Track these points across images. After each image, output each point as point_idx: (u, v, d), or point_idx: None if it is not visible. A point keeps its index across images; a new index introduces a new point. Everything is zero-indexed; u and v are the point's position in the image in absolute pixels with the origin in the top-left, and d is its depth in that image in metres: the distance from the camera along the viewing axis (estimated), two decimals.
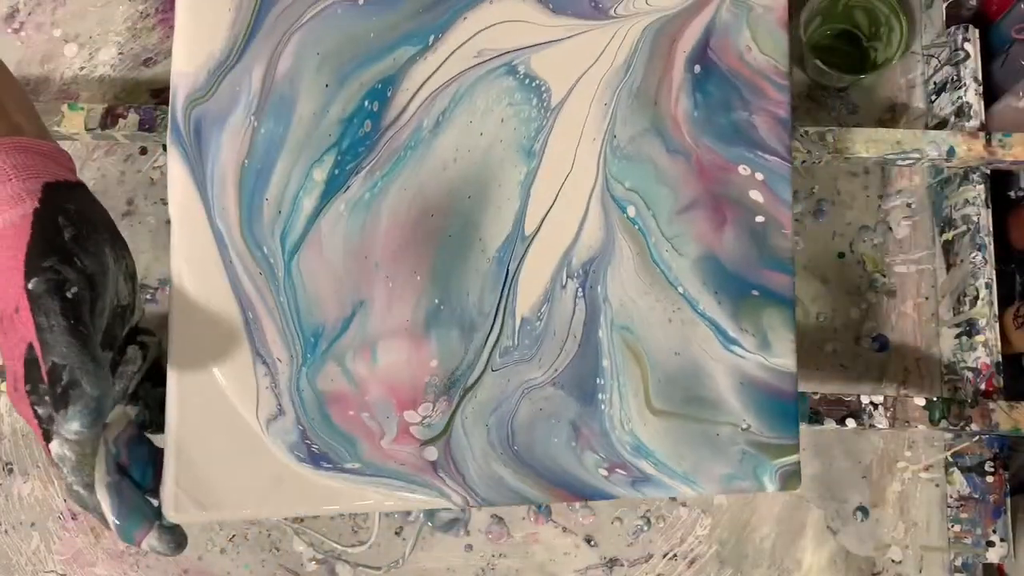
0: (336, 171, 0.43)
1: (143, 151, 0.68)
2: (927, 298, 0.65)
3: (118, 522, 0.37)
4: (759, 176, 0.47)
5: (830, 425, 0.55)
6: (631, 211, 0.46)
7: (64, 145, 0.68)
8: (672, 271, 0.46)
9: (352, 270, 0.42)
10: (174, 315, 0.40)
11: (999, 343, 0.61)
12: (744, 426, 0.46)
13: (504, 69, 0.46)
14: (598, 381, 0.45)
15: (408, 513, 0.62)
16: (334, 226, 0.42)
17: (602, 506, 0.62)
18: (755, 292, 0.46)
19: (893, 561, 0.61)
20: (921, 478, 0.62)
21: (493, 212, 0.45)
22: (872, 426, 0.56)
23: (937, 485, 0.62)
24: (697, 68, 0.48)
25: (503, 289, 0.45)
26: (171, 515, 0.39)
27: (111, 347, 0.38)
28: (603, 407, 0.45)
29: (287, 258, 0.42)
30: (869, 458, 0.63)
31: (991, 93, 0.65)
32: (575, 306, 0.45)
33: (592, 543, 0.62)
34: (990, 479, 0.60)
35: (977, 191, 0.62)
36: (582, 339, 0.45)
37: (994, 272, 0.61)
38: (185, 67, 0.43)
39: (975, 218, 0.62)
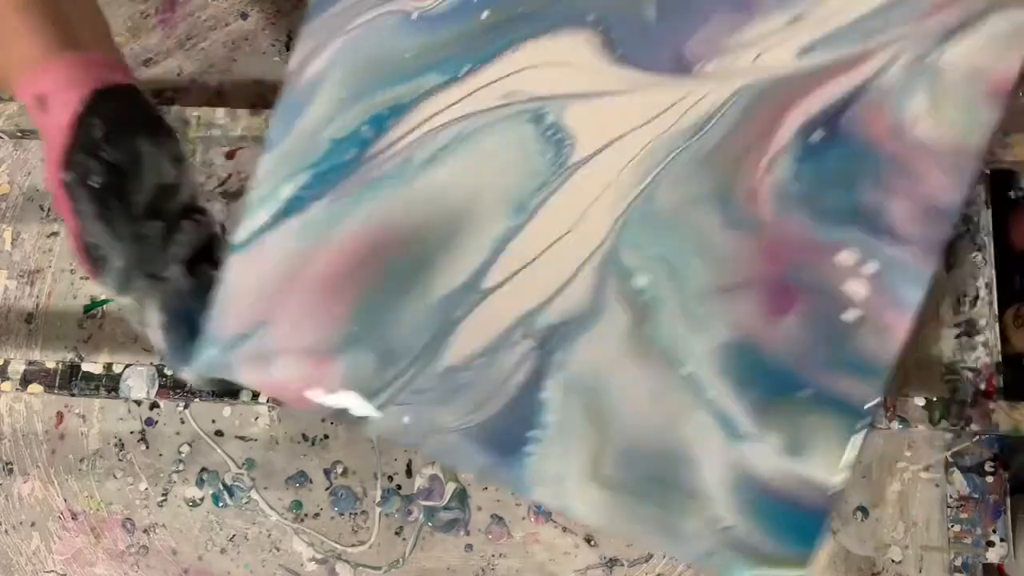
0: (302, 193, 0.42)
1: None
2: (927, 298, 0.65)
3: (167, 356, 0.47)
4: (870, 268, 0.39)
5: None
6: (642, 281, 0.41)
7: None
8: (680, 351, 0.40)
9: (272, 287, 0.42)
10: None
11: (999, 343, 0.61)
12: (726, 524, 0.39)
13: (528, 116, 0.42)
14: (528, 434, 0.41)
15: (409, 513, 0.62)
16: (279, 242, 0.43)
17: None
18: (808, 391, 0.40)
19: (893, 561, 0.61)
20: (921, 478, 0.62)
21: (450, 260, 0.42)
22: (872, 426, 0.56)
23: (937, 485, 0.62)
24: (817, 135, 0.40)
25: (435, 335, 0.41)
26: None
27: (158, 216, 0.46)
28: (528, 458, 0.41)
29: (235, 248, 0.43)
30: (869, 458, 0.63)
31: None
32: (520, 366, 0.41)
33: (592, 543, 0.62)
34: (990, 479, 0.60)
35: (977, 191, 0.62)
36: (515, 398, 0.41)
37: (994, 272, 0.61)
38: None
39: (975, 218, 0.62)
